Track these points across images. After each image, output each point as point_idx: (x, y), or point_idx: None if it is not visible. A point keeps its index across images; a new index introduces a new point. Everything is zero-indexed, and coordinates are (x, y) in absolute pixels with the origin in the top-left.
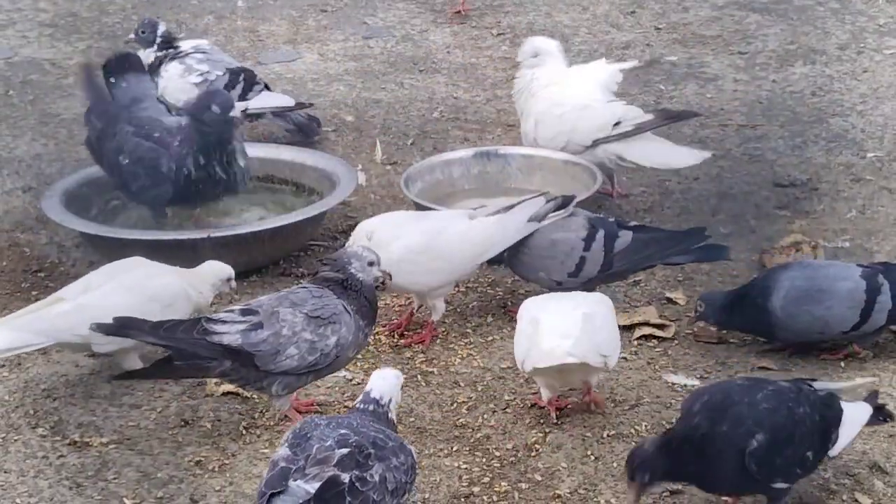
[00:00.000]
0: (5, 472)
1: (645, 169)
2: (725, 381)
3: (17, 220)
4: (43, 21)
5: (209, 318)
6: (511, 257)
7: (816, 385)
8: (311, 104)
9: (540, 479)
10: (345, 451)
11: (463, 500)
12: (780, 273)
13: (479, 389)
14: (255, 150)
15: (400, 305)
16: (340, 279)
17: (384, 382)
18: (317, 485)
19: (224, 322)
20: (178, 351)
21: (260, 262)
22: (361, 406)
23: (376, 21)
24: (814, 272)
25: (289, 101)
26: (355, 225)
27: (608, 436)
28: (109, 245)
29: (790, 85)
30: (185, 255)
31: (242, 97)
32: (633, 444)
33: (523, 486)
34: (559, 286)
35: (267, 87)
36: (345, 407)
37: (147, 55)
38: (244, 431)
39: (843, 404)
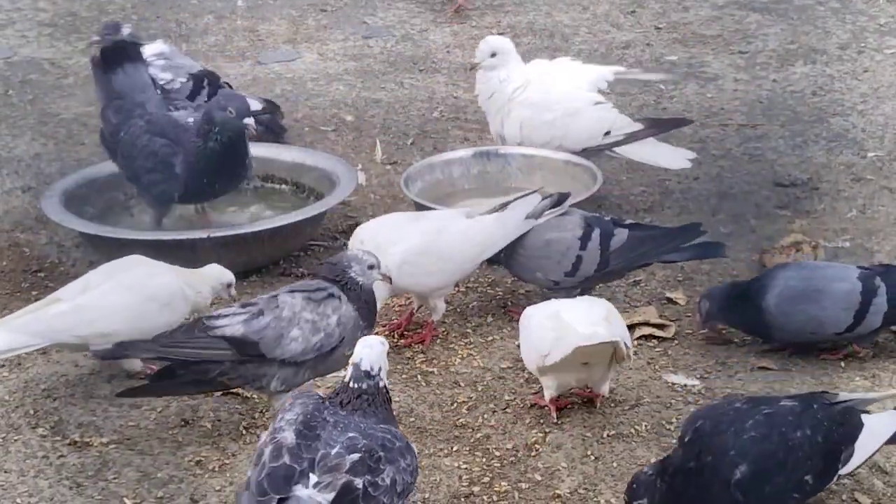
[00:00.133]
0: (5, 472)
1: (635, 163)
2: (723, 402)
3: (16, 219)
4: (42, 21)
5: (209, 317)
6: (508, 258)
7: (841, 396)
8: (277, 106)
9: (540, 478)
10: (356, 456)
11: (463, 499)
12: (778, 272)
13: (480, 389)
14: (255, 150)
15: (400, 305)
16: (340, 282)
17: (371, 351)
18: (331, 495)
19: (224, 316)
20: (178, 358)
21: (260, 262)
22: (354, 385)
23: (376, 21)
24: (811, 272)
25: (256, 105)
26: (355, 225)
27: (608, 436)
28: (109, 245)
29: (791, 84)
30: (184, 254)
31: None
32: (633, 444)
33: (523, 485)
34: (556, 286)
35: (229, 87)
36: None
37: None
38: (244, 431)
39: (866, 417)
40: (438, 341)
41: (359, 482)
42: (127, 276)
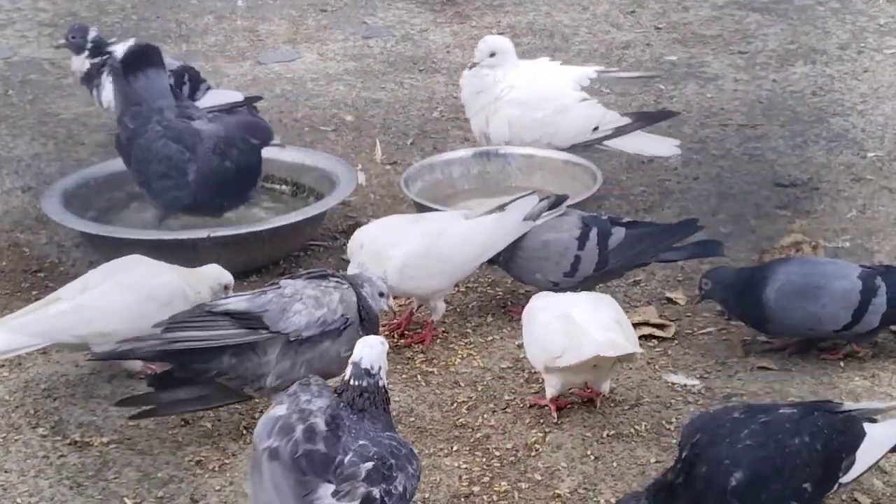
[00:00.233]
0: (6, 471)
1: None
2: (722, 412)
3: (16, 219)
4: (42, 21)
5: (210, 303)
6: (507, 260)
7: (846, 406)
8: (259, 97)
9: (540, 478)
10: (370, 465)
11: (463, 499)
12: (779, 266)
13: (479, 389)
14: None
15: (400, 305)
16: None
17: (372, 350)
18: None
19: (227, 298)
20: (179, 347)
21: (260, 262)
22: (355, 382)
23: (376, 21)
24: (812, 268)
25: (238, 97)
26: (355, 225)
27: (608, 436)
28: (109, 245)
29: (790, 84)
30: (185, 254)
31: (191, 97)
32: (633, 444)
33: (523, 485)
34: (556, 287)
35: (206, 83)
36: None
37: (81, 62)
38: (244, 431)
39: (869, 426)
40: (438, 341)
41: (376, 492)
42: (126, 276)
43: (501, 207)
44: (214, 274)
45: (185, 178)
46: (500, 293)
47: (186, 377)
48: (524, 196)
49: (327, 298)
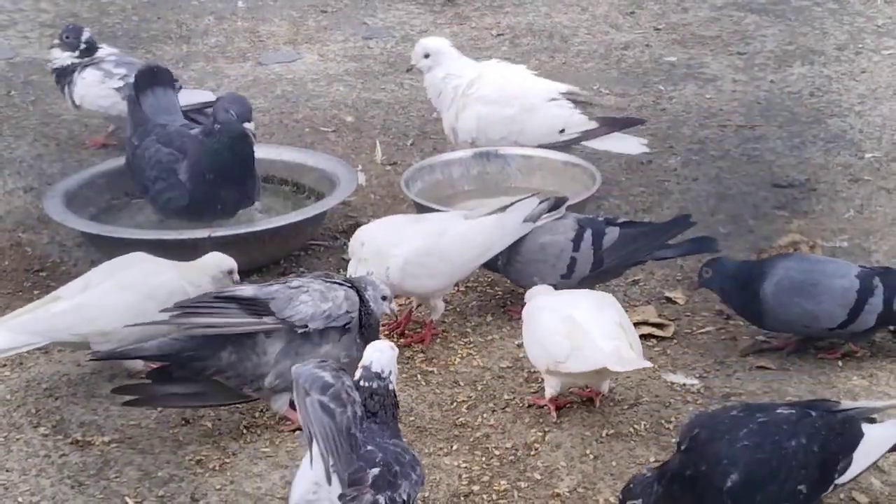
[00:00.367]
0: (7, 470)
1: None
2: (720, 410)
3: (18, 219)
4: (44, 21)
5: (217, 291)
6: (505, 265)
7: (844, 405)
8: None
9: (539, 477)
10: (376, 471)
11: (463, 498)
12: (779, 262)
13: (479, 389)
14: (255, 151)
15: (399, 305)
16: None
17: (382, 355)
18: None
19: (233, 287)
20: (187, 328)
21: (260, 261)
22: (365, 384)
23: (376, 21)
24: (811, 266)
25: (210, 96)
26: (356, 225)
27: (607, 435)
28: (111, 244)
29: (788, 85)
30: (186, 254)
31: None
32: (632, 443)
33: (522, 484)
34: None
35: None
36: None
37: (63, 59)
38: (244, 431)
39: (867, 427)
40: (438, 341)
41: (382, 500)
42: (127, 275)
43: (503, 209)
44: (215, 262)
45: (177, 178)
46: (500, 293)
47: (185, 376)
48: (525, 198)
49: (332, 294)
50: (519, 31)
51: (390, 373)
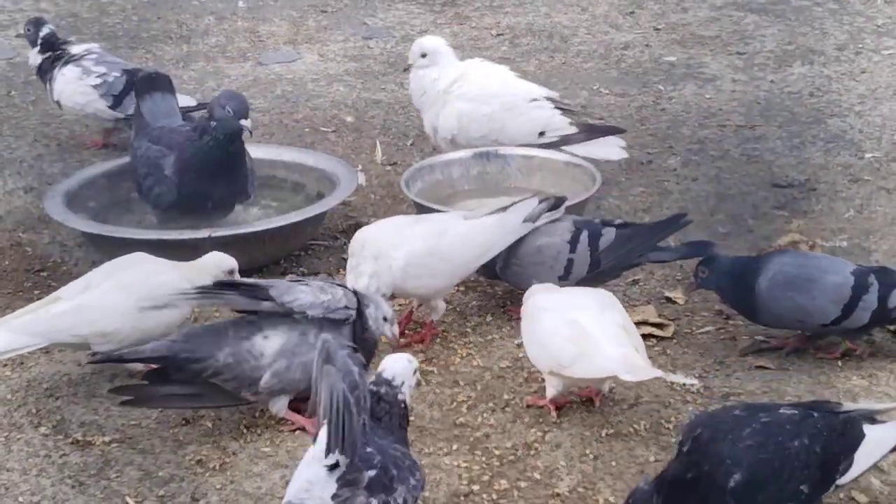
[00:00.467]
0: (8, 470)
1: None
2: (722, 410)
3: (19, 219)
4: None
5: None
6: (504, 268)
7: (846, 406)
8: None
9: (539, 477)
10: (372, 473)
11: (463, 498)
12: (774, 257)
13: (479, 388)
14: (256, 151)
15: (399, 305)
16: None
17: (396, 364)
18: None
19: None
20: (174, 349)
21: (261, 261)
22: (373, 388)
23: (376, 21)
24: (806, 261)
25: (191, 101)
26: (356, 225)
27: (607, 435)
28: (111, 244)
29: (788, 85)
30: (186, 254)
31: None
32: (632, 443)
33: (522, 484)
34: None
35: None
36: None
37: (34, 57)
38: (245, 430)
39: (868, 428)
40: (438, 341)
41: (375, 502)
42: (127, 275)
43: (503, 209)
44: (216, 261)
45: (163, 173)
46: (500, 293)
47: (182, 379)
48: (524, 199)
49: (332, 289)
50: (519, 31)
51: (402, 383)
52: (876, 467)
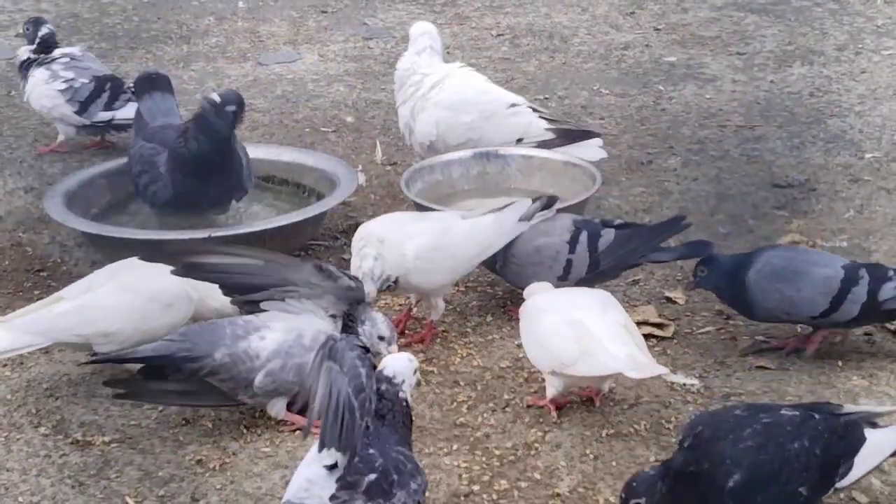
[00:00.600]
0: (8, 470)
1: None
2: (723, 409)
3: (19, 219)
4: None
5: None
6: (503, 267)
7: (847, 408)
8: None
9: (539, 477)
10: (373, 476)
11: (463, 498)
12: (765, 250)
13: (479, 388)
14: (256, 151)
15: (399, 304)
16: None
17: (396, 363)
18: None
19: None
20: (172, 349)
21: None
22: (374, 386)
23: (376, 22)
24: (795, 254)
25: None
26: (356, 225)
27: (607, 435)
28: (111, 245)
29: (788, 86)
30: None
31: (108, 106)
32: (632, 443)
33: (523, 484)
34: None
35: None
36: None
37: (23, 53)
38: (245, 430)
39: (870, 431)
40: (438, 341)
41: None
42: (130, 277)
43: (499, 209)
44: None
45: (157, 170)
46: (500, 293)
47: (180, 378)
48: (520, 200)
49: (313, 322)
50: (519, 32)
51: (403, 381)
52: (877, 467)
